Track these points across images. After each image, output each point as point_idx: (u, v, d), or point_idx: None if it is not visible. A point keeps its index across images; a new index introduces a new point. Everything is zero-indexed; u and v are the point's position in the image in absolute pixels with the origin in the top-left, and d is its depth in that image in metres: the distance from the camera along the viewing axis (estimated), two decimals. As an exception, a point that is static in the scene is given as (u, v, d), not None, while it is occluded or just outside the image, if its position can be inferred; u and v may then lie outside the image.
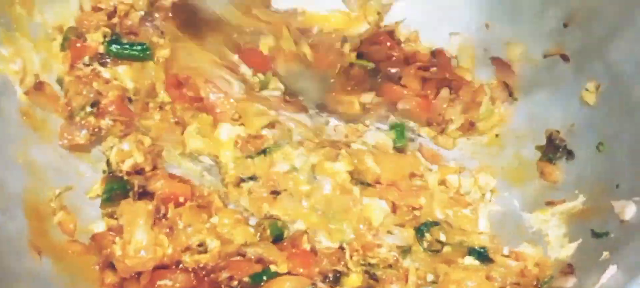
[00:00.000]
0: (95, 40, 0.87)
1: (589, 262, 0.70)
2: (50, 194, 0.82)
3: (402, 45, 1.00)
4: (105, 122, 0.84)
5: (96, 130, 0.84)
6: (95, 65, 0.86)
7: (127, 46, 0.88)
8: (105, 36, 0.88)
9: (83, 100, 0.83)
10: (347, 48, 0.97)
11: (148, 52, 0.88)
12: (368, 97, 0.94)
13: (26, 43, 0.86)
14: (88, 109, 0.83)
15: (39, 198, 0.81)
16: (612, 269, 0.63)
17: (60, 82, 0.87)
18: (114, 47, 0.87)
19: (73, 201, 0.84)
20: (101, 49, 0.87)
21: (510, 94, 0.95)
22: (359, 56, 0.97)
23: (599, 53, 0.84)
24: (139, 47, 0.88)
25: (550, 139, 0.88)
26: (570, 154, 0.85)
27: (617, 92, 0.81)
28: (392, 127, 0.95)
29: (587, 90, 0.85)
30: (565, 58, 0.89)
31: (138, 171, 0.82)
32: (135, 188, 0.81)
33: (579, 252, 0.74)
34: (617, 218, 0.72)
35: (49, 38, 0.89)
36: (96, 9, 0.89)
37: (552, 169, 0.87)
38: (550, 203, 0.82)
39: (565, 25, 0.88)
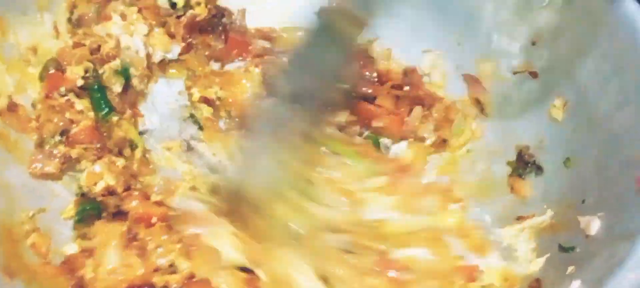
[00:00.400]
0: (75, 73, 0.87)
1: (556, 276, 0.71)
2: (24, 216, 0.81)
3: (378, 62, 1.02)
4: (76, 151, 0.83)
5: (67, 158, 0.83)
6: (71, 96, 0.85)
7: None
8: (86, 71, 0.87)
9: (54, 128, 0.83)
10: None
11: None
12: (342, 117, 0.96)
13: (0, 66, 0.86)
14: (57, 137, 0.83)
15: (12, 220, 0.80)
16: (576, 284, 0.65)
17: (34, 105, 0.87)
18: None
19: (47, 222, 0.83)
20: (80, 82, 0.86)
21: (482, 110, 0.97)
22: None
23: (566, 70, 0.86)
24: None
25: (520, 154, 0.90)
26: (539, 169, 0.87)
27: (583, 109, 0.83)
28: (367, 137, 0.97)
29: (554, 106, 0.87)
30: (534, 75, 0.91)
31: (111, 192, 0.82)
32: (110, 209, 0.81)
33: (546, 267, 0.75)
34: (582, 233, 0.73)
35: (22, 58, 0.89)
36: (78, 45, 0.90)
37: (522, 184, 0.88)
38: (520, 218, 0.84)
39: (533, 44, 0.90)
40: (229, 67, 1.00)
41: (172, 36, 0.98)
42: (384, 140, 0.97)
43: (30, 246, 0.80)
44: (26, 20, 0.89)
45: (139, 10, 0.96)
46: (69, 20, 0.93)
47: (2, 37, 0.87)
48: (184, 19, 0.98)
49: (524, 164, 0.89)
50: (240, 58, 1.01)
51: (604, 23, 0.79)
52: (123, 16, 0.94)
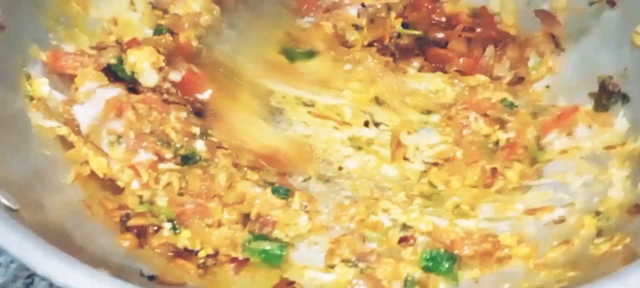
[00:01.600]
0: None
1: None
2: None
3: (444, 5, 1.02)
4: None
5: None
6: None
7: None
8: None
9: None
10: (392, 16, 0.99)
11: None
12: (417, 63, 0.96)
13: (85, 39, 0.90)
14: None
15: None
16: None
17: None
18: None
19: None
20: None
21: (557, 45, 0.96)
22: (405, 26, 0.99)
23: (647, -6, 0.84)
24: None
25: (603, 85, 0.88)
26: (625, 98, 0.86)
27: (670, 32, 0.82)
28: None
29: (637, 32, 0.85)
30: (611, 3, 0.89)
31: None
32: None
33: (643, 192, 0.75)
34: (680, 156, 0.72)
35: (105, 32, 0.93)
36: None
37: (606, 116, 0.87)
38: (609, 147, 0.83)
39: (609, -29, 0.88)
40: (300, 22, 1.02)
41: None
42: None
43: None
44: (105, -6, 0.93)
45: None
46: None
47: (84, 12, 0.91)
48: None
49: (608, 94, 0.88)
50: (310, 14, 1.02)
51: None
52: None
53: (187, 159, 0.82)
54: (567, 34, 0.95)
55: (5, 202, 0.58)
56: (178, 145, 0.82)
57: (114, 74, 0.86)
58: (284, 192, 0.80)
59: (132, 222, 0.74)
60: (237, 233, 0.75)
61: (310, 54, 0.97)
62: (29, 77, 0.80)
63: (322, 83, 0.94)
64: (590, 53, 0.91)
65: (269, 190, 0.79)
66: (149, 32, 0.94)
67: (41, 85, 0.79)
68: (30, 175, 0.71)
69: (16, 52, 0.79)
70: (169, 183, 0.78)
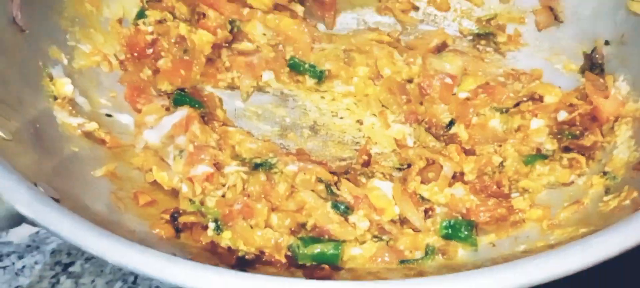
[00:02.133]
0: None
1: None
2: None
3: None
4: None
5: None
6: None
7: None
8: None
9: None
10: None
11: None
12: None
13: (100, 37, 0.92)
14: None
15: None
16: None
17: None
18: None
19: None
20: None
21: (556, 18, 0.99)
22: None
23: (639, -38, 0.87)
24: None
25: (588, 56, 0.93)
26: (602, 71, 0.91)
27: (662, -3, 0.85)
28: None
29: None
30: (604, -27, 0.93)
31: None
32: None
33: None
34: (679, 114, 0.76)
35: (115, 30, 0.95)
36: None
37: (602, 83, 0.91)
38: (610, 111, 0.87)
39: (602, -59, 0.91)
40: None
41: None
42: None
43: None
44: (115, -7, 0.96)
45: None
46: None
47: (97, 11, 0.93)
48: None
49: (591, 65, 0.92)
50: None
51: None
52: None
53: (258, 166, 0.84)
54: (564, 6, 0.98)
55: (48, 193, 0.61)
56: (245, 157, 0.85)
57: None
58: (345, 209, 0.80)
59: (182, 219, 0.77)
60: (283, 237, 0.76)
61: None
62: (51, 78, 0.82)
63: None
64: (588, 23, 0.95)
65: (329, 203, 0.80)
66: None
67: (64, 85, 0.82)
68: (62, 170, 0.74)
69: (37, 54, 0.82)
70: (234, 185, 0.80)
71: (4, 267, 0.89)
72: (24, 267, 0.89)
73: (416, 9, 1.05)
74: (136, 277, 0.87)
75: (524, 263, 0.55)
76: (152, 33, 0.94)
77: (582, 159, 0.83)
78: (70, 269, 0.88)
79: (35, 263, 0.89)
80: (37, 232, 0.92)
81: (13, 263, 0.89)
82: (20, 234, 0.92)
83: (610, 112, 0.85)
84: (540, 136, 0.86)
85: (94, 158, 0.80)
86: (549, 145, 0.86)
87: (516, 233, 0.79)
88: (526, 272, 0.54)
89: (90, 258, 0.89)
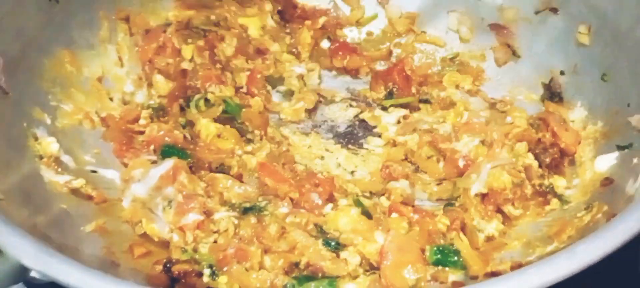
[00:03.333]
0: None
1: (624, 171, 0.80)
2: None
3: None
4: None
5: None
6: None
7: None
8: None
9: None
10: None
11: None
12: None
13: (81, 96, 0.94)
14: None
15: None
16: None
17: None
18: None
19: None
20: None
21: (514, 53, 1.07)
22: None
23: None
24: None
25: (547, 86, 1.01)
26: (561, 99, 0.99)
27: (606, 29, 0.93)
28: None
29: (580, 33, 0.97)
30: (554, 10, 1.01)
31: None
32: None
33: (612, 167, 0.84)
34: (635, 130, 0.83)
35: (96, 89, 0.97)
36: None
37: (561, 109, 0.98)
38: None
39: (546, -18, 1.01)
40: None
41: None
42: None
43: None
44: (94, 53, 0.97)
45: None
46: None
47: (77, 72, 0.95)
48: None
49: (552, 94, 1.00)
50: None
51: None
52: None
53: (247, 210, 0.86)
54: (520, 42, 1.06)
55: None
56: (234, 202, 0.86)
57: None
58: (335, 246, 0.82)
59: (176, 268, 0.77)
60: (278, 277, 0.77)
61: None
62: (36, 138, 0.83)
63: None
64: (543, 56, 1.03)
65: (320, 241, 0.81)
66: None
67: (50, 144, 0.83)
68: (54, 226, 0.74)
69: (21, 115, 0.83)
70: (225, 230, 0.82)
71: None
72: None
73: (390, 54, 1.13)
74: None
75: (514, 276, 0.59)
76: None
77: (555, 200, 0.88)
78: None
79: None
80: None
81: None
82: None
83: (571, 143, 0.92)
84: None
85: (83, 215, 0.80)
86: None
87: (500, 255, 0.83)
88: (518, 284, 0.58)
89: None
